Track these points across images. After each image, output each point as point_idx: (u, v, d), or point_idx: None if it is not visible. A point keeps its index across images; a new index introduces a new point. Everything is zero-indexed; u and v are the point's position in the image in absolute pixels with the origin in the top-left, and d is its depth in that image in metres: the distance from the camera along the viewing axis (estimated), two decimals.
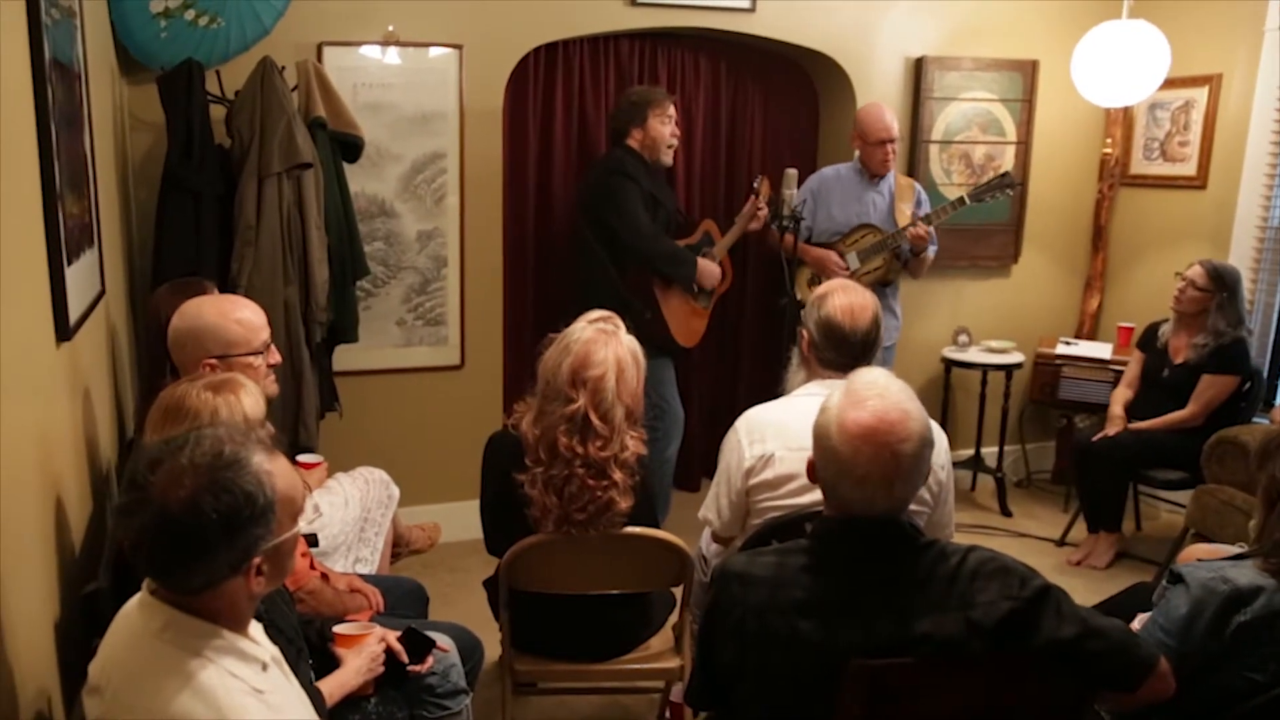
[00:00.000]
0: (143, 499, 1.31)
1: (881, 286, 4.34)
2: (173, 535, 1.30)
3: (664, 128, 4.06)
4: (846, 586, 1.66)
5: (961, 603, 1.63)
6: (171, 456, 1.33)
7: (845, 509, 1.69)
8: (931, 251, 4.38)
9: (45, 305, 1.96)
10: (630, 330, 2.55)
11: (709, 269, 4.20)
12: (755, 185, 4.33)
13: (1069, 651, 1.63)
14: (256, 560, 1.37)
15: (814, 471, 1.75)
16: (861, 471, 1.64)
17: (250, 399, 1.97)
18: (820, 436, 1.71)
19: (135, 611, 1.43)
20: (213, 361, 2.32)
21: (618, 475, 2.43)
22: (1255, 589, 1.91)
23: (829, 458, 1.68)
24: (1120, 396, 4.42)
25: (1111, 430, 4.26)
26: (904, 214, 4.34)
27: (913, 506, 2.30)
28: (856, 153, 4.42)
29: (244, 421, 1.89)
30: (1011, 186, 4.32)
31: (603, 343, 2.43)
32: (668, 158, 4.15)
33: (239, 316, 2.40)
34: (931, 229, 4.25)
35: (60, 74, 2.12)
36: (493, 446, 2.61)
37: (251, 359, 2.40)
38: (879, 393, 1.69)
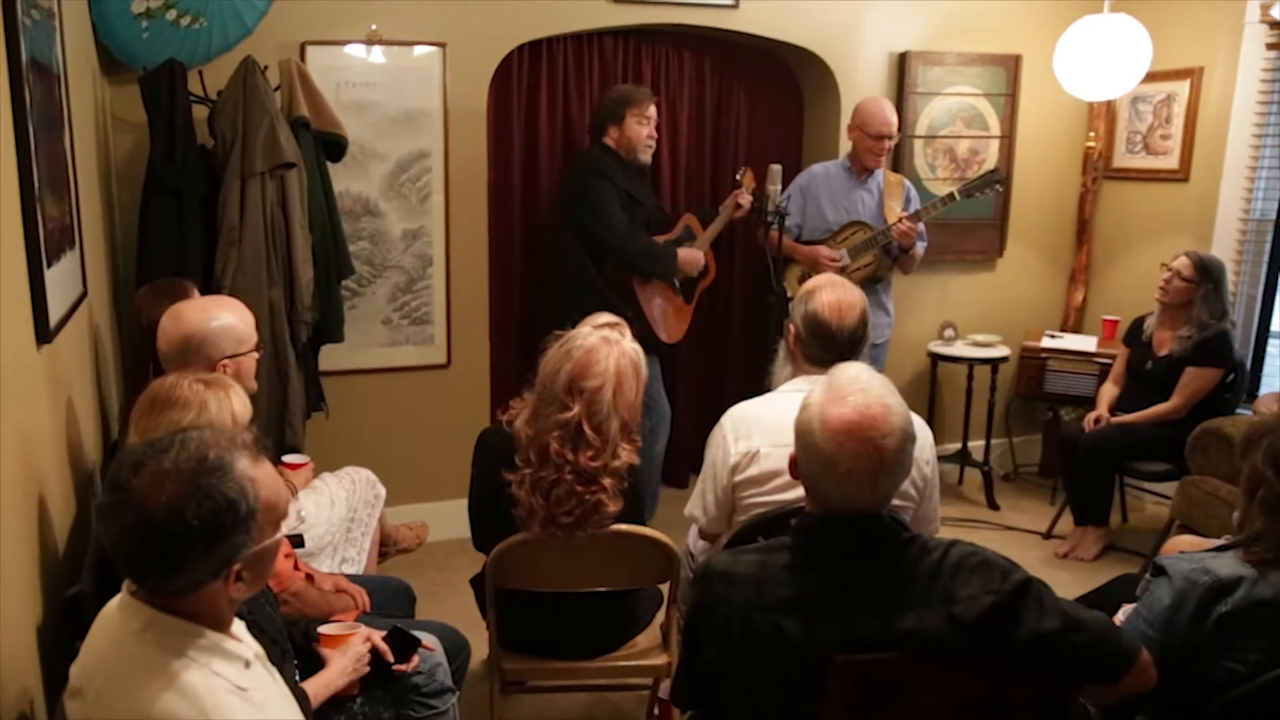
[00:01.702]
0: (124, 501, 1.30)
1: (873, 283, 4.35)
2: (153, 540, 1.30)
3: (641, 128, 4.06)
4: (829, 583, 1.66)
5: (944, 598, 1.63)
6: (155, 459, 1.32)
7: (828, 505, 1.69)
8: (920, 248, 4.39)
9: (25, 307, 1.95)
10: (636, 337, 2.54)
11: (690, 256, 4.20)
12: (738, 176, 4.34)
13: (1051, 645, 1.63)
14: (236, 567, 1.37)
15: (796, 468, 1.75)
16: (845, 467, 1.64)
17: (239, 399, 1.99)
18: (802, 433, 1.71)
19: (115, 613, 1.42)
20: (227, 362, 2.33)
21: (607, 482, 2.42)
22: (1236, 580, 1.92)
23: (812, 454, 1.68)
24: (1106, 393, 4.44)
25: (1091, 417, 4.30)
26: (893, 211, 4.34)
27: (898, 502, 2.31)
28: (847, 147, 4.43)
29: (232, 420, 1.90)
30: (1000, 183, 4.35)
31: (604, 352, 2.40)
32: (645, 157, 4.15)
33: (239, 313, 2.45)
34: (921, 225, 4.27)
35: (38, 74, 2.11)
36: (483, 443, 2.60)
37: (256, 353, 2.47)
38: (860, 388, 1.69)
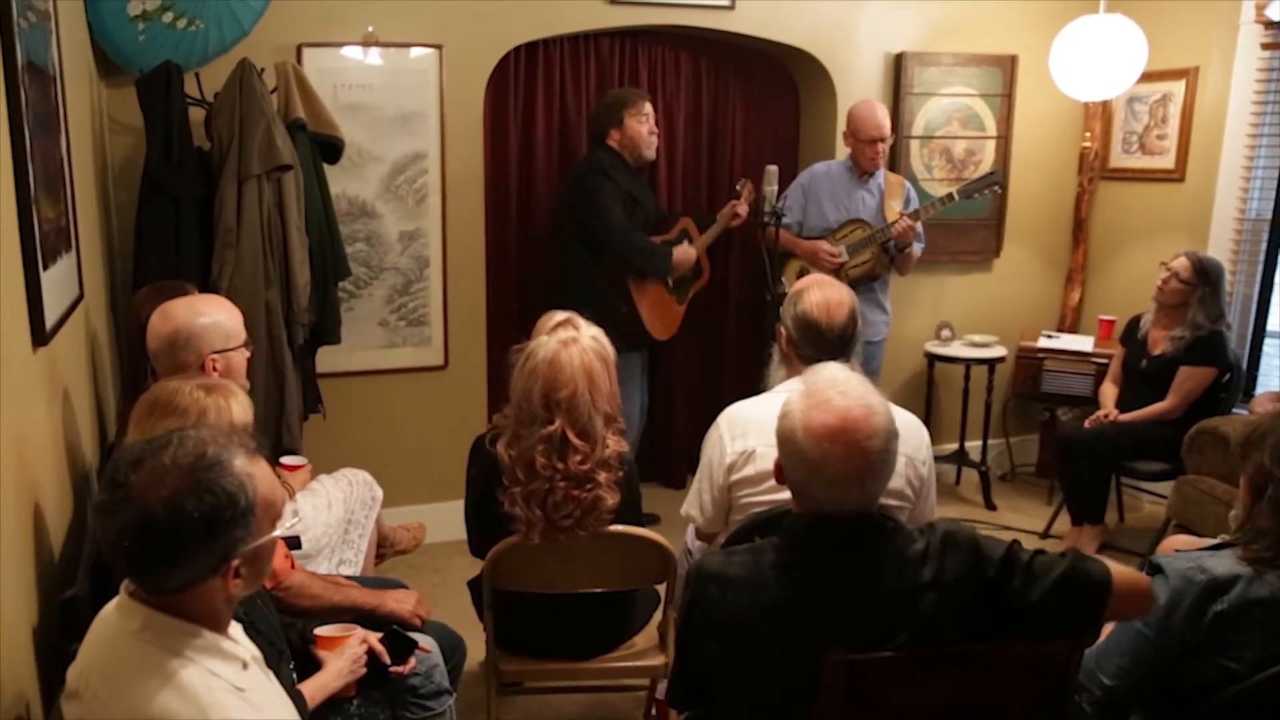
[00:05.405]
0: (123, 498, 1.30)
1: (870, 281, 4.38)
2: (153, 534, 1.30)
3: (641, 126, 4.11)
4: (824, 581, 1.66)
5: (934, 584, 1.64)
6: (154, 456, 1.33)
7: (816, 507, 1.69)
8: (918, 249, 4.42)
9: (21, 310, 1.96)
10: (592, 319, 2.53)
11: (684, 253, 4.24)
12: (738, 187, 4.39)
13: (1037, 613, 1.65)
14: (235, 562, 1.37)
15: (782, 473, 1.75)
16: (832, 472, 1.63)
17: (239, 406, 1.98)
18: (785, 440, 1.70)
19: (113, 614, 1.42)
20: (215, 357, 2.33)
21: (602, 477, 2.42)
22: (1232, 578, 1.92)
23: (797, 460, 1.68)
24: (1109, 392, 4.43)
25: (1100, 414, 4.30)
26: (893, 211, 4.36)
27: (893, 502, 2.32)
28: (847, 150, 4.44)
29: (230, 426, 1.90)
30: (999, 184, 4.39)
31: (567, 355, 2.38)
32: (650, 154, 4.21)
33: (227, 310, 2.45)
34: (919, 227, 4.29)
35: (34, 76, 2.11)
36: (477, 453, 2.58)
37: (245, 350, 2.46)
38: (839, 391, 1.68)
